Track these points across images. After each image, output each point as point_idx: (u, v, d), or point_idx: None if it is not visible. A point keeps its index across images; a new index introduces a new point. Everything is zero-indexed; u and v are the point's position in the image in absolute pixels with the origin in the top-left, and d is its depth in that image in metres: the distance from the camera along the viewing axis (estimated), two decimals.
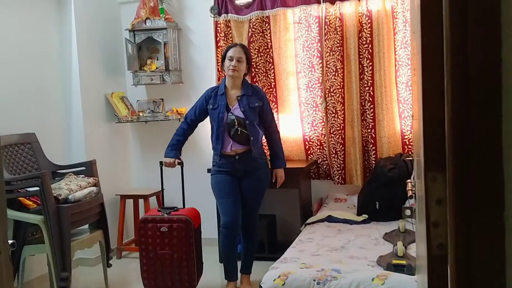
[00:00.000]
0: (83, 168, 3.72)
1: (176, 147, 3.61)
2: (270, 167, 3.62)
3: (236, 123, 3.39)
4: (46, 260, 3.53)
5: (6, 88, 3.54)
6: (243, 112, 3.41)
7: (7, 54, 3.64)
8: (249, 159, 3.45)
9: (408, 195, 1.58)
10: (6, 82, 3.55)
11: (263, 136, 3.61)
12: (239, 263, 3.58)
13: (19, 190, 3.28)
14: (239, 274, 3.57)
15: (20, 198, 3.31)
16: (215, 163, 3.53)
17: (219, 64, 4.00)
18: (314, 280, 2.62)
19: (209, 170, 3.72)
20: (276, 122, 4.04)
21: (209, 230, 4.11)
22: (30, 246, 3.38)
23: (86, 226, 3.65)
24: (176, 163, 3.59)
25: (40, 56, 4.02)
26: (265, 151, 3.69)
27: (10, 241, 1.00)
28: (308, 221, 3.86)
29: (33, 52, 3.95)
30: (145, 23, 4.48)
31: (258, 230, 3.66)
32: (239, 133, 3.38)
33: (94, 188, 3.58)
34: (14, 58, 3.73)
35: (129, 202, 4.56)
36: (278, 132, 3.70)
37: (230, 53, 3.43)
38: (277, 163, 3.63)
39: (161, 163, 3.67)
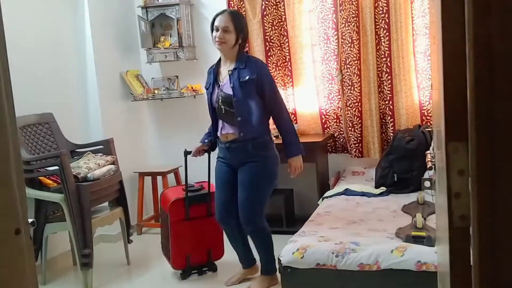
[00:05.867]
0: (101, 146, 3.76)
1: (209, 134, 3.24)
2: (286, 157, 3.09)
3: (221, 101, 2.98)
4: (68, 237, 3.60)
5: (22, 69, 3.55)
6: (232, 88, 2.95)
7: (22, 35, 3.64)
8: (240, 148, 2.99)
9: (428, 166, 1.56)
10: (22, 63, 3.57)
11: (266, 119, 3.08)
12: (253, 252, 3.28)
13: (38, 169, 3.33)
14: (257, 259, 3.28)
15: (40, 178, 3.37)
16: (218, 147, 3.21)
17: None
18: (333, 253, 2.63)
19: None
20: (286, 98, 3.63)
21: None
22: (52, 224, 3.44)
23: (106, 203, 3.70)
24: (200, 152, 3.24)
25: (55, 36, 4.02)
26: (274, 137, 3.20)
27: (30, 220, 1.01)
28: (326, 194, 3.85)
29: (48, 33, 3.94)
30: (158, 0, 4.44)
31: (265, 232, 3.10)
32: (223, 112, 2.98)
33: (112, 166, 3.61)
34: (29, 39, 3.73)
35: (148, 179, 4.60)
36: (285, 110, 3.08)
37: (216, 22, 2.99)
38: (288, 150, 3.05)
39: (185, 152, 3.31)
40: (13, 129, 0.96)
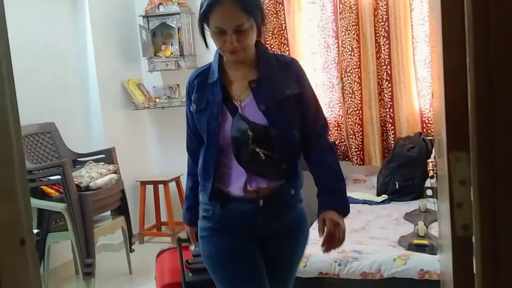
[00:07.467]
0: (103, 155, 3.77)
1: (191, 204, 1.93)
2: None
3: (250, 137, 1.65)
4: (70, 246, 3.60)
5: (24, 78, 3.56)
6: (265, 112, 1.69)
7: (24, 45, 3.66)
8: (283, 205, 1.81)
9: (430, 175, 1.56)
10: (24, 73, 3.58)
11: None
12: None
13: (41, 179, 3.34)
14: None
15: (43, 187, 3.37)
16: (206, 213, 1.79)
17: None
18: (335, 262, 2.63)
19: None
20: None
21: None
22: (54, 234, 3.45)
23: (108, 212, 3.71)
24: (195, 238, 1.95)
25: (56, 45, 4.04)
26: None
27: (35, 231, 1.01)
28: None
29: (49, 42, 3.97)
30: (158, 9, 4.47)
31: None
32: (254, 157, 1.67)
33: (114, 175, 3.62)
34: (31, 49, 3.75)
35: (149, 188, 4.60)
36: (327, 132, 1.89)
37: (216, 21, 1.66)
38: (334, 199, 1.90)
39: (178, 240, 2.28)
40: (17, 139, 0.96)
